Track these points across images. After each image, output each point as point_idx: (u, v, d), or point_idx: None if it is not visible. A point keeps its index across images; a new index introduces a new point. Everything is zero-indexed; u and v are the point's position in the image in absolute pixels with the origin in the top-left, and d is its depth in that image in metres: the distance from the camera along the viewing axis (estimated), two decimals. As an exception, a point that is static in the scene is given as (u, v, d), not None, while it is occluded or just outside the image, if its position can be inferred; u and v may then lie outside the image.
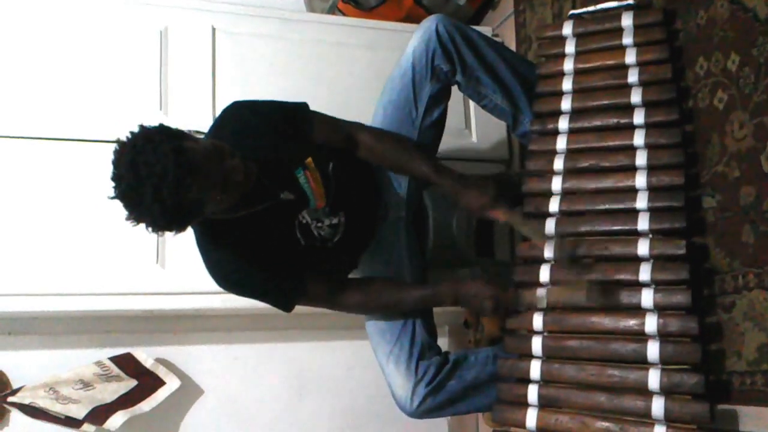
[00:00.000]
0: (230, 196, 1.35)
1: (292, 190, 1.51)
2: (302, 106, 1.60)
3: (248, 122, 1.53)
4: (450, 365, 1.59)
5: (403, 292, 1.59)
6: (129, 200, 1.25)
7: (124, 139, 1.27)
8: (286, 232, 1.53)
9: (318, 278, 1.56)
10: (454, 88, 1.73)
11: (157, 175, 1.21)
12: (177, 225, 1.31)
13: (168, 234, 1.32)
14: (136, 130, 1.28)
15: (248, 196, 1.41)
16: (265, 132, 1.52)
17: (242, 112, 1.55)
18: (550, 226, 1.52)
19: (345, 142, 1.61)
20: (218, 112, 1.59)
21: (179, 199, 1.23)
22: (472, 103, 2.25)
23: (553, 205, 1.54)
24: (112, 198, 1.26)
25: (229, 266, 1.51)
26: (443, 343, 1.68)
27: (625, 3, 1.61)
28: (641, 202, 1.43)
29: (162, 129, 1.29)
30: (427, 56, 1.63)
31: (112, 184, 1.25)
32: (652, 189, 1.44)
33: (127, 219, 1.27)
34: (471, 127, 2.27)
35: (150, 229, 1.28)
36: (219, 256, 1.50)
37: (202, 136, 1.48)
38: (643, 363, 1.34)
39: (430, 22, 1.64)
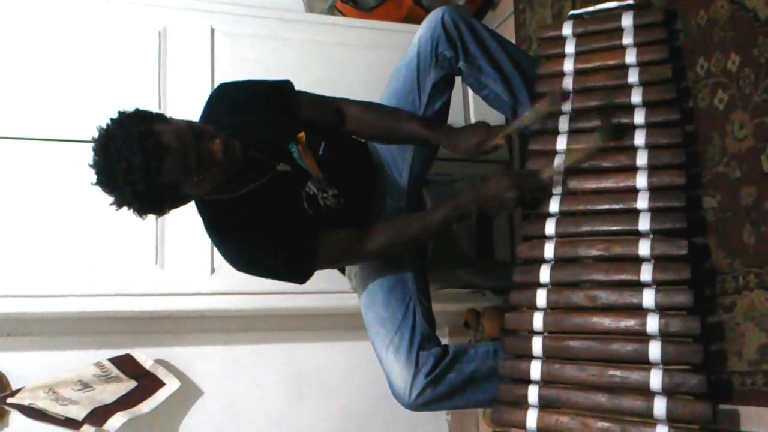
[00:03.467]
0: (210, 178, 1.36)
1: (288, 164, 1.53)
2: (288, 84, 1.62)
3: (239, 100, 1.55)
4: (450, 357, 1.58)
5: (427, 217, 1.56)
6: (104, 185, 1.29)
7: (103, 125, 1.31)
8: (294, 204, 1.53)
9: (334, 233, 1.54)
10: (457, 83, 1.75)
11: (125, 160, 1.24)
12: (153, 207, 1.33)
13: (151, 217, 1.36)
14: (115, 116, 1.32)
15: (243, 172, 1.43)
16: (257, 107, 1.55)
17: (231, 91, 1.58)
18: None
19: (333, 117, 1.64)
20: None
21: (151, 182, 1.26)
22: (471, 103, 2.25)
23: (554, 206, 1.53)
24: (93, 185, 1.30)
25: (241, 245, 1.50)
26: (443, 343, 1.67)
27: (625, 3, 1.61)
28: (642, 202, 1.43)
29: (135, 113, 1.33)
30: (432, 43, 1.66)
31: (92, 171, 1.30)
32: (652, 189, 1.44)
33: (111, 204, 1.30)
34: (470, 127, 2.27)
35: (132, 212, 1.32)
36: (230, 238, 1.51)
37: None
38: (644, 363, 1.34)
39: (437, 12, 1.68)
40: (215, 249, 1.60)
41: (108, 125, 1.31)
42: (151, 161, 1.25)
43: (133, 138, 1.25)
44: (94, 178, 1.29)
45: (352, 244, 1.55)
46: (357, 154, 1.70)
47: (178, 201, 1.40)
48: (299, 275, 1.55)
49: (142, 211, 1.32)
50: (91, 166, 1.30)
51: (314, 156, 1.54)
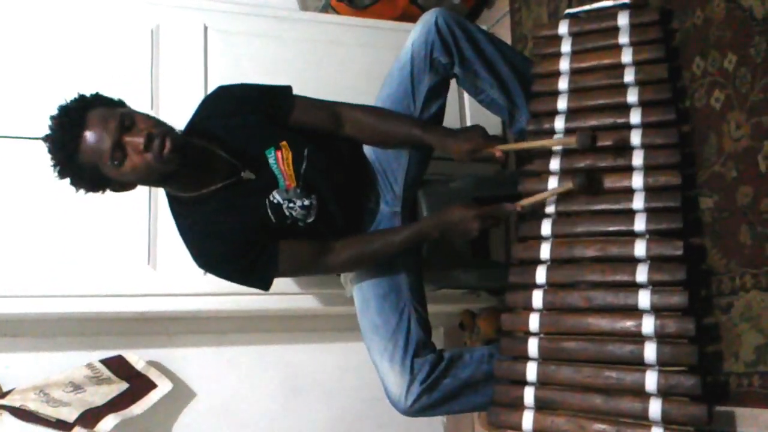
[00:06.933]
0: (131, 167, 1.39)
1: (262, 170, 1.54)
2: (285, 89, 1.63)
3: (228, 104, 1.58)
4: (445, 363, 1.58)
5: (388, 236, 1.59)
6: (49, 148, 1.41)
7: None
8: (258, 211, 1.54)
9: (297, 245, 1.56)
10: (452, 85, 1.73)
11: (51, 134, 1.39)
12: (79, 183, 1.43)
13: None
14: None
15: (208, 173, 1.49)
16: (245, 112, 1.57)
17: (224, 95, 1.61)
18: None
19: (331, 122, 1.64)
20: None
21: (68, 158, 1.37)
22: (467, 103, 2.25)
23: (549, 206, 1.53)
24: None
25: (202, 246, 1.54)
26: (438, 345, 1.66)
27: (621, 2, 1.60)
28: (638, 202, 1.43)
29: (85, 96, 1.44)
30: (426, 49, 1.64)
31: None
32: (648, 189, 1.43)
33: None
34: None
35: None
36: (192, 237, 1.54)
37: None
38: (640, 364, 1.34)
39: (430, 15, 1.65)
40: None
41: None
42: (65, 138, 1.36)
43: (61, 115, 1.38)
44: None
45: (313, 257, 1.57)
46: (351, 161, 1.68)
47: (107, 182, 1.45)
48: (258, 283, 1.57)
49: (76, 185, 1.42)
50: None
51: (296, 159, 1.55)
